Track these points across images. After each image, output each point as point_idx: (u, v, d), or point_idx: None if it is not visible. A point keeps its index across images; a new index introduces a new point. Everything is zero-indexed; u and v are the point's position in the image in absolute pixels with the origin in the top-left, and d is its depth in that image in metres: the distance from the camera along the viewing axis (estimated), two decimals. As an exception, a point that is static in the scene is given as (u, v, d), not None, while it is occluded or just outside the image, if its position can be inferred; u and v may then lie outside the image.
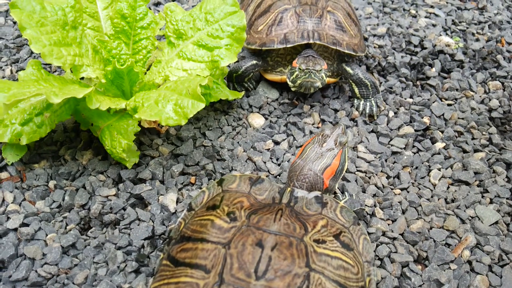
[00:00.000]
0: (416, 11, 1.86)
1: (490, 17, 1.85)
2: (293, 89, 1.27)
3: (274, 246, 0.70)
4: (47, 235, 0.94)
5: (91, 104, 0.90)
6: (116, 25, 1.09)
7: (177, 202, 1.01)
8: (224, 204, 0.80)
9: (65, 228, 0.97)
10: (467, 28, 1.76)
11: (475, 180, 1.14)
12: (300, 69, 1.20)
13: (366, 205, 1.04)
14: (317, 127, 1.26)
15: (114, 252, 0.90)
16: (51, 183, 1.05)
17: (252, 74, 1.33)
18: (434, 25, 1.77)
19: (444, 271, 0.91)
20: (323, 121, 1.28)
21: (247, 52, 1.47)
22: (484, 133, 1.28)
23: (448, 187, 1.12)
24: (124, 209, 1.00)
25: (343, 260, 0.74)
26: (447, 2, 1.93)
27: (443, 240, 0.98)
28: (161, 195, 1.03)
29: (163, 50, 1.11)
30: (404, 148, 1.22)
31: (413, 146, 1.23)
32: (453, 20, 1.81)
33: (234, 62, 1.46)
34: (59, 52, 0.91)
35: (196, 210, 0.84)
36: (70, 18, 0.97)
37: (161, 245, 0.93)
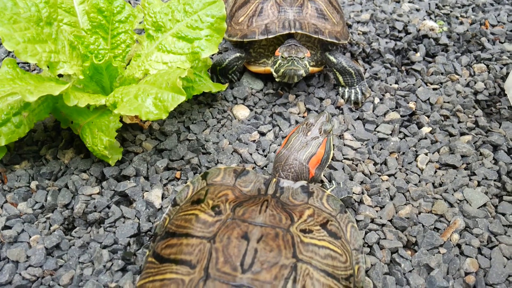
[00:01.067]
0: (400, -4, 1.84)
1: (473, 0, 1.84)
2: (277, 79, 1.25)
3: (260, 238, 0.68)
4: (30, 236, 0.92)
5: (68, 101, 0.88)
6: (92, 19, 1.06)
7: (162, 198, 1.00)
8: (208, 197, 0.79)
9: (49, 229, 0.95)
10: (451, 11, 1.76)
11: (462, 163, 1.14)
12: (282, 57, 1.18)
13: (354, 193, 1.04)
14: (303, 117, 1.25)
15: (99, 251, 0.88)
16: (33, 184, 1.02)
17: (235, 66, 1.31)
18: (417, 10, 1.76)
19: (434, 255, 0.91)
20: (308, 110, 1.27)
21: (230, 44, 1.45)
22: (470, 116, 1.28)
23: (436, 172, 1.12)
24: (108, 207, 0.98)
25: (331, 249, 0.73)
26: (430, -14, 1.91)
27: (432, 225, 0.98)
28: (146, 191, 1.01)
29: (142, 44, 1.09)
30: (391, 134, 1.21)
31: (400, 132, 1.22)
32: (436, 4, 1.80)
33: (217, 54, 1.44)
34: (33, 49, 0.88)
35: (181, 205, 0.83)
36: (44, 14, 0.94)
37: (147, 242, 0.91)
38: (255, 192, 0.81)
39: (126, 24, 1.10)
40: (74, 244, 0.91)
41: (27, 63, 1.37)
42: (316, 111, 1.27)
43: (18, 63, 1.37)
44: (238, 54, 1.30)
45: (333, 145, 0.95)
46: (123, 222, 0.95)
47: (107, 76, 1.05)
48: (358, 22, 1.66)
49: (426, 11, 1.76)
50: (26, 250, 0.89)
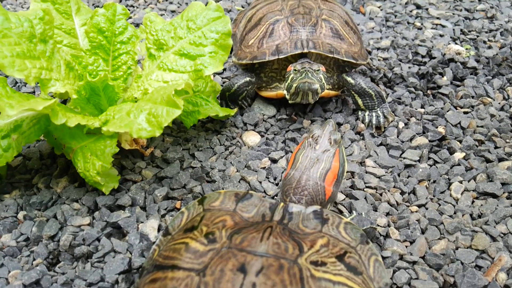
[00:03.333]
0: (421, 23, 1.76)
1: (501, 24, 1.74)
2: (290, 100, 1.16)
3: (260, 271, 0.56)
4: (9, 272, 0.82)
5: (56, 119, 0.80)
6: (92, 39, 1.01)
7: (158, 229, 0.88)
8: (203, 224, 0.67)
9: (32, 263, 0.84)
10: (478, 36, 1.65)
11: (503, 192, 0.99)
12: (295, 70, 1.09)
13: (378, 225, 0.90)
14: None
15: (83, 289, 0.77)
16: (21, 214, 0.93)
17: (246, 92, 1.23)
18: (441, 35, 1.67)
19: (478, 299, 0.75)
20: (325, 136, 1.16)
21: (240, 69, 1.38)
22: (508, 140, 1.14)
23: (473, 201, 0.97)
24: (98, 239, 0.87)
25: (349, 287, 0.59)
26: (453, 14, 1.83)
27: (473, 262, 0.83)
28: (141, 222, 0.90)
29: (143, 64, 1.02)
30: (419, 161, 1.08)
31: (429, 158, 1.09)
32: (461, 30, 1.70)
33: (228, 80, 1.37)
34: (22, 64, 0.82)
35: (173, 235, 0.71)
36: (39, 30, 0.89)
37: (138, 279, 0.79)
38: (259, 218, 0.69)
39: (128, 45, 1.04)
40: (57, 281, 0.80)
41: (27, 86, 1.32)
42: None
43: (19, 87, 1.33)
44: (248, 79, 1.21)
45: (345, 155, 0.83)
46: (113, 257, 0.84)
47: (105, 98, 0.98)
48: (378, 48, 1.58)
49: (451, 37, 1.66)
50: (2, 287, 0.79)
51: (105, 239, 0.87)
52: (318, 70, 1.08)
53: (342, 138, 0.79)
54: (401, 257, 0.85)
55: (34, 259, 0.85)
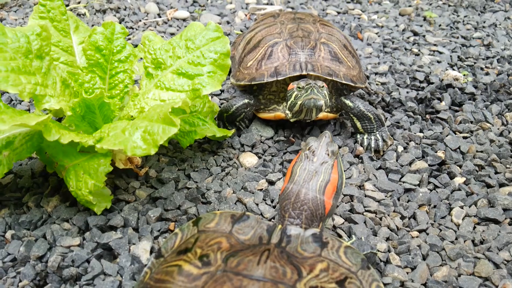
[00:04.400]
0: (419, 50, 1.78)
1: (498, 52, 1.75)
2: (292, 119, 1.14)
3: (257, 296, 0.53)
4: (-7, 295, 0.78)
5: (49, 135, 0.78)
6: (89, 57, 1.00)
7: (151, 251, 0.85)
8: (197, 246, 0.64)
9: (17, 285, 0.80)
10: (475, 63, 1.67)
11: (505, 218, 0.97)
12: (299, 87, 1.07)
13: (379, 250, 0.87)
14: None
15: (69, 314, 0.73)
16: (9, 233, 0.90)
17: (244, 114, 1.21)
18: (439, 62, 1.68)
19: (483, 329, 0.72)
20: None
21: (238, 91, 1.37)
22: (508, 166, 1.12)
23: (475, 227, 0.95)
24: (88, 261, 0.84)
25: (350, 314, 0.56)
26: (450, 40, 1.85)
27: (476, 290, 0.80)
28: (133, 244, 0.87)
29: (141, 83, 1.01)
30: (419, 185, 1.06)
31: (429, 182, 1.07)
32: (459, 57, 1.71)
33: (226, 101, 1.36)
34: (16, 79, 0.80)
35: (165, 257, 0.68)
36: (35, 46, 0.88)
37: (128, 304, 0.76)
38: (256, 241, 0.67)
39: (126, 63, 1.03)
40: (42, 305, 0.76)
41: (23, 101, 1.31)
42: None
43: (14, 104, 1.32)
44: (246, 101, 1.20)
45: (343, 167, 0.81)
46: (103, 280, 0.80)
47: (101, 115, 0.96)
48: (376, 73, 1.58)
49: (448, 63, 1.67)
50: (-16, 311, 0.75)
51: (95, 260, 0.83)
52: (322, 87, 1.07)
53: (339, 149, 0.77)
54: (402, 284, 0.82)
55: (20, 281, 0.81)
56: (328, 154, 0.77)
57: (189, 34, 0.98)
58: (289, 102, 1.11)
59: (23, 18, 1.91)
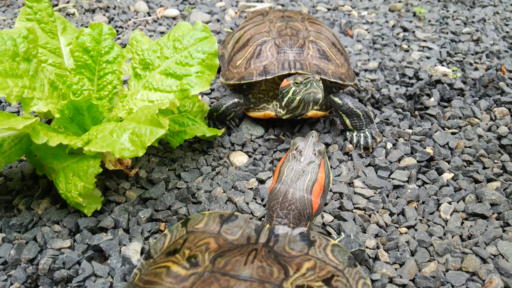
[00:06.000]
0: (408, 46, 1.79)
1: (486, 47, 1.77)
2: (285, 116, 1.15)
3: (243, 296, 0.54)
4: (-16, 298, 0.78)
5: (37, 138, 0.78)
6: (77, 58, 1.00)
7: (141, 252, 0.86)
8: (186, 247, 0.65)
9: (8, 289, 0.81)
10: (464, 58, 1.68)
11: (493, 213, 0.98)
12: (296, 83, 1.08)
13: (367, 247, 0.88)
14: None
15: (60, 316, 0.73)
16: (-1, 237, 0.90)
17: (234, 113, 1.22)
18: (428, 58, 1.69)
19: (469, 323, 0.73)
20: (313, 156, 1.15)
21: (228, 90, 1.37)
22: (496, 161, 1.14)
23: (462, 222, 0.96)
24: (78, 263, 0.84)
25: (336, 312, 0.57)
26: (439, 36, 1.86)
27: (463, 285, 0.81)
28: (124, 245, 0.87)
29: (129, 84, 1.01)
30: (407, 181, 1.07)
31: (417, 179, 1.08)
32: (448, 52, 1.73)
33: (216, 100, 1.37)
34: (3, 82, 0.80)
35: (154, 258, 0.69)
36: (22, 49, 0.88)
37: (119, 306, 0.76)
38: (244, 241, 0.67)
39: (114, 64, 1.03)
40: (34, 308, 0.77)
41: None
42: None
43: (3, 107, 1.31)
44: (236, 100, 1.21)
45: (330, 166, 0.82)
46: (94, 281, 0.81)
47: (90, 117, 0.96)
48: (365, 70, 1.59)
49: (438, 59, 1.68)
50: (-25, 315, 0.75)
51: (86, 262, 0.84)
52: (319, 80, 1.08)
53: (326, 148, 0.78)
54: (391, 280, 0.83)
55: (11, 284, 0.82)
56: (315, 154, 0.77)
57: (177, 34, 0.99)
58: (285, 99, 1.11)
59: (11, 19, 1.89)
